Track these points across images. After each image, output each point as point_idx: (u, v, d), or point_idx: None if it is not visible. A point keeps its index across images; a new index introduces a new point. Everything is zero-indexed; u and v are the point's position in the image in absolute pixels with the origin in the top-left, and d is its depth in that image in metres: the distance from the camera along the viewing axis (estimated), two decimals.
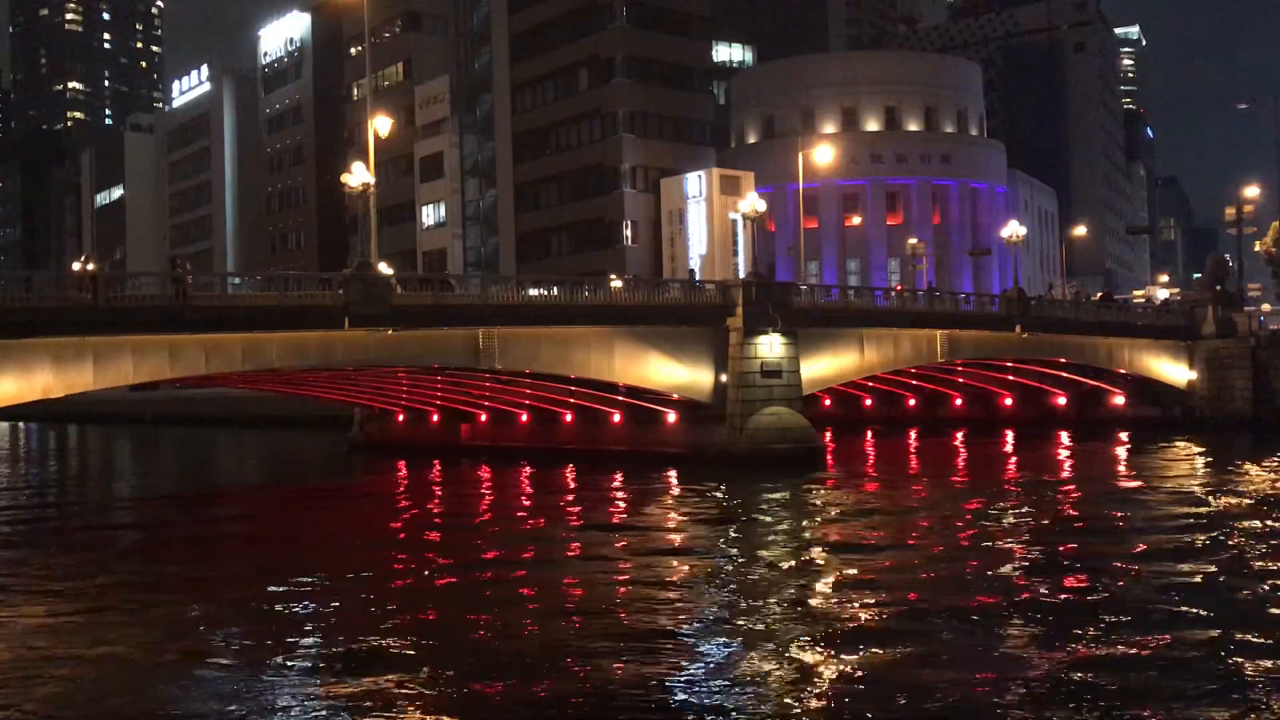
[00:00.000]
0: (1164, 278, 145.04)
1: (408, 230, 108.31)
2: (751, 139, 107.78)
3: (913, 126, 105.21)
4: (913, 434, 68.69)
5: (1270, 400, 65.95)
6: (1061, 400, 71.03)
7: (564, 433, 58.21)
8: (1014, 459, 55.00)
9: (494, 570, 27.77)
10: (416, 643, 20.24)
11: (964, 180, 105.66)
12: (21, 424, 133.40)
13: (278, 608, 23.14)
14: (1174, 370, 68.29)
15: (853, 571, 26.10)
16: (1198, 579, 24.11)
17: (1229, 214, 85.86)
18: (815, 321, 53.04)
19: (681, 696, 16.71)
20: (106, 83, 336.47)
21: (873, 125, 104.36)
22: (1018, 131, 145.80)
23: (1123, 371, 67.82)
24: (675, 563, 27.87)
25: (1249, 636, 19.07)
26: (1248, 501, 36.36)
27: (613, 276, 59.10)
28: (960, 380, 70.73)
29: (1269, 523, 31.61)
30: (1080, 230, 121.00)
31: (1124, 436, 62.01)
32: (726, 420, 49.92)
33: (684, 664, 18.44)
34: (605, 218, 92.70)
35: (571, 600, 23.61)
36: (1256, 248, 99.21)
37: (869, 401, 76.93)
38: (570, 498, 43.41)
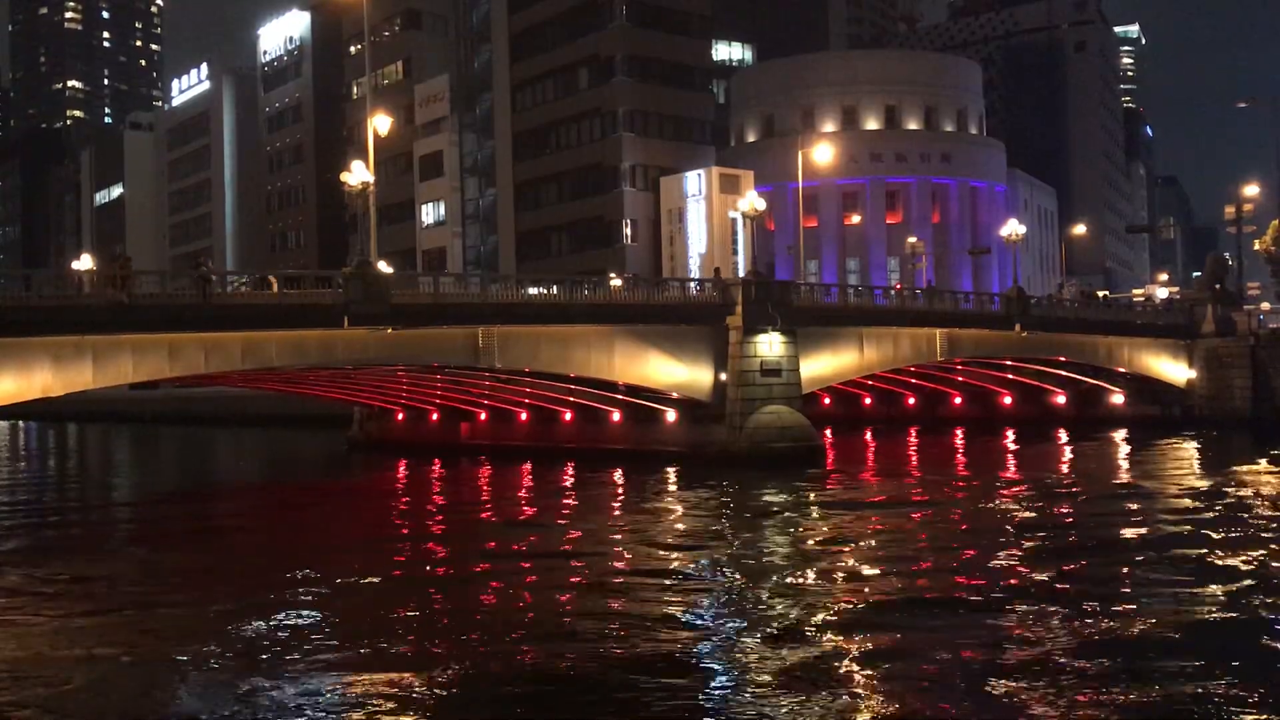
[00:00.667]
0: (1163, 276, 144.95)
1: (407, 229, 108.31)
2: (751, 138, 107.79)
3: (912, 125, 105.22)
4: (912, 433, 68.72)
5: (1269, 399, 65.99)
6: (1061, 399, 71.05)
7: (564, 431, 58.22)
8: (1013, 457, 55.02)
9: (493, 568, 27.79)
10: (418, 641, 20.25)
11: (964, 179, 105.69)
12: (21, 423, 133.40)
13: (278, 607, 23.13)
14: (1173, 369, 68.32)
15: (853, 569, 26.13)
16: (1197, 577, 24.09)
17: (1228, 213, 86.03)
18: (815, 320, 53.05)
19: (683, 692, 16.72)
20: (106, 81, 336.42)
21: (872, 124, 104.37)
22: (1017, 130, 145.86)
23: (1122, 370, 67.86)
24: (675, 560, 27.88)
25: (1249, 636, 19.10)
26: (1246, 499, 36.35)
27: (612, 275, 59.16)
28: (960, 379, 70.76)
29: (1267, 520, 31.63)
30: (1080, 229, 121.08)
31: (1123, 435, 62.06)
32: (726, 419, 49.94)
33: (685, 660, 18.44)
34: (605, 216, 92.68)
35: (571, 598, 23.61)
36: (1256, 246, 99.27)
37: (868, 400, 76.97)
38: (570, 496, 43.43)
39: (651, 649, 19.07)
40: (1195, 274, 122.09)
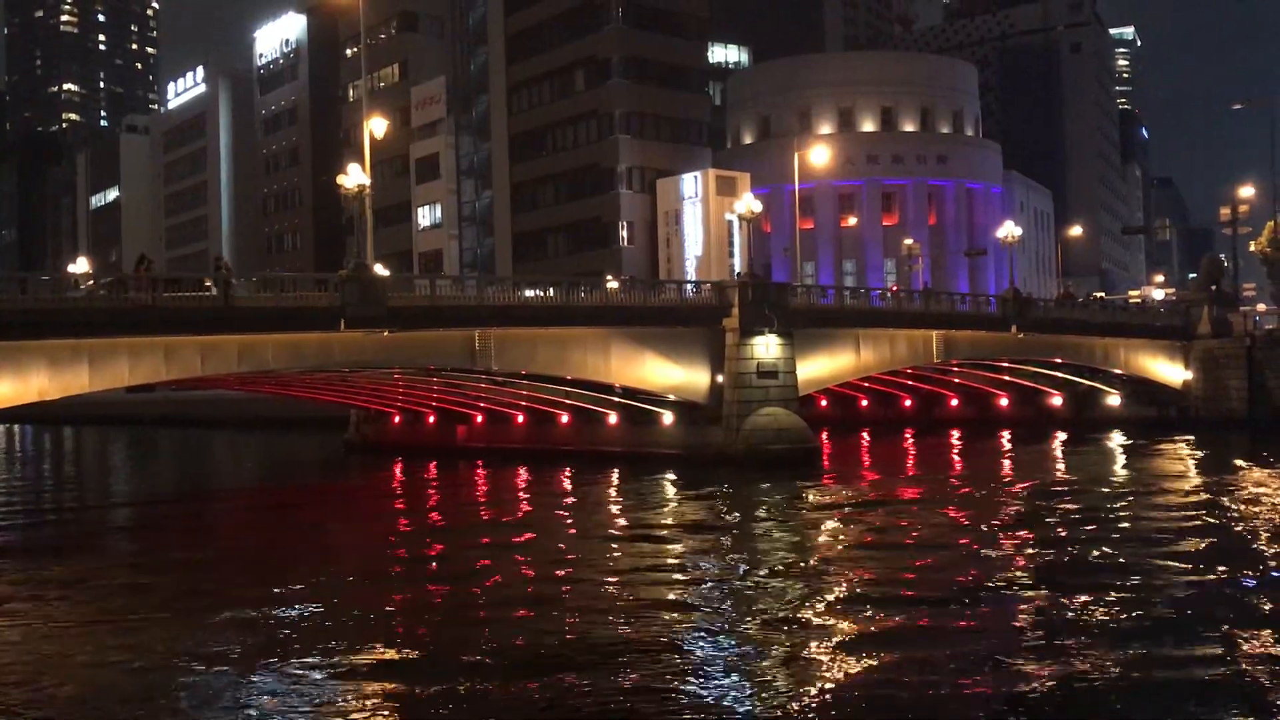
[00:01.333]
0: (1159, 278, 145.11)
1: (404, 231, 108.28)
2: (747, 139, 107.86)
3: (909, 127, 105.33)
4: (909, 434, 68.73)
5: (1265, 400, 66.04)
6: (1057, 400, 71.09)
7: (560, 434, 58.19)
8: (1010, 459, 55.04)
9: (489, 570, 27.76)
10: (415, 644, 20.25)
11: (960, 181, 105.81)
12: (17, 426, 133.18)
13: (275, 610, 23.12)
14: (1170, 370, 68.39)
15: (849, 571, 26.12)
16: (1196, 578, 24.14)
17: (1224, 214, 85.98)
18: (811, 322, 53.06)
19: (679, 695, 16.71)
20: (102, 84, 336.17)
21: (869, 126, 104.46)
22: (1013, 132, 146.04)
23: (1119, 372, 67.90)
24: (671, 562, 27.87)
25: (1248, 636, 19.12)
26: (1242, 501, 36.38)
27: (609, 277, 59.11)
28: (956, 381, 70.79)
29: (1263, 521, 31.67)
30: (1076, 230, 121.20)
31: (1120, 436, 62.08)
32: (723, 421, 49.92)
33: (681, 663, 18.44)
34: (601, 218, 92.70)
35: (568, 601, 23.59)
36: (1251, 248, 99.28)
37: (865, 402, 76.98)
38: (567, 499, 43.40)
39: (649, 650, 19.05)
40: (1191, 275, 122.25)
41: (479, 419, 63.25)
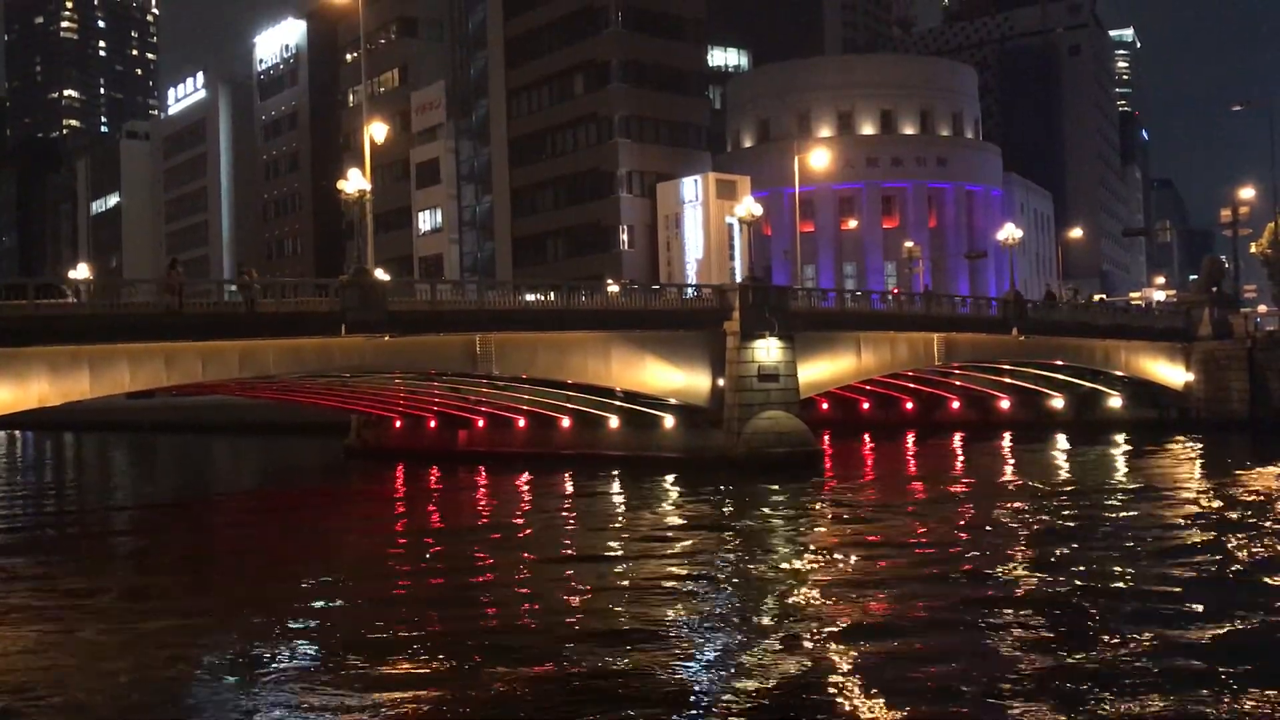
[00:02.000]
0: (1160, 280, 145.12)
1: (404, 236, 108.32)
2: (747, 143, 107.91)
3: (908, 130, 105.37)
4: (910, 437, 68.67)
5: (1267, 401, 65.99)
6: (1058, 402, 71.03)
7: (561, 438, 58.14)
8: (1011, 462, 54.96)
9: (490, 574, 27.74)
10: (416, 648, 20.19)
11: (960, 183, 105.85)
12: (18, 433, 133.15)
13: (275, 617, 23.06)
14: (1171, 372, 68.34)
15: (851, 575, 26.10)
16: (1194, 579, 24.10)
17: (1224, 216, 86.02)
18: (812, 325, 53.01)
19: (681, 698, 16.68)
20: (102, 90, 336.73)
21: (868, 129, 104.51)
22: (1013, 134, 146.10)
23: (1120, 374, 67.84)
24: (673, 566, 27.81)
25: (1246, 634, 19.09)
26: (1244, 503, 36.34)
27: (609, 281, 59.11)
28: (957, 383, 70.75)
29: (1265, 524, 31.62)
30: (1076, 233, 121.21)
31: (1121, 438, 62.01)
32: (724, 424, 49.87)
33: (683, 666, 18.41)
34: (601, 222, 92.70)
35: (570, 604, 23.55)
36: (1252, 249, 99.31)
37: (866, 405, 76.92)
38: (568, 503, 43.34)
39: (649, 653, 19.01)
40: (1192, 277, 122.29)
41: (480, 423, 63.22)
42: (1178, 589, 23.18)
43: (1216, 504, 36.09)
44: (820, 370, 54.14)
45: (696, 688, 17.38)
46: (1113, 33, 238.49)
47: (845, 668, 18.05)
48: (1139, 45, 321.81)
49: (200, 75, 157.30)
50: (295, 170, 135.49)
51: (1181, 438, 60.85)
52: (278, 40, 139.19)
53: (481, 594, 25.36)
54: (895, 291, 73.12)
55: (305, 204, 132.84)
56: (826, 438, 62.17)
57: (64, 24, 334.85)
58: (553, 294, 49.58)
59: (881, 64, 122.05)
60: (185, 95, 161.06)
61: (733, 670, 18.35)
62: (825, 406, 73.13)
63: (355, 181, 43.35)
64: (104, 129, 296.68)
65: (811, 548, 30.61)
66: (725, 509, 39.17)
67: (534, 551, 31.11)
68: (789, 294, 54.27)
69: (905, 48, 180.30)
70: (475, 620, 22.49)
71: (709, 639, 20.34)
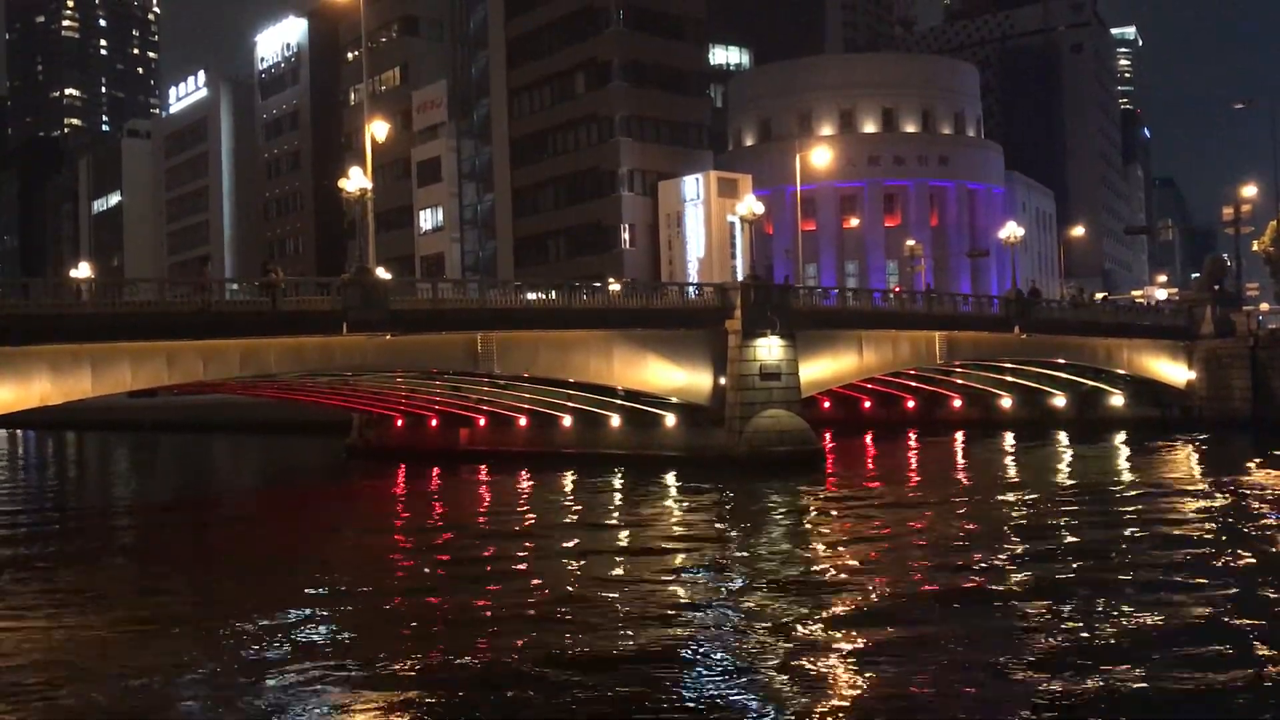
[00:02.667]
0: (1162, 278, 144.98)
1: (405, 235, 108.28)
2: (749, 141, 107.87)
3: (910, 128, 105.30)
4: (912, 436, 68.63)
5: (1269, 400, 65.91)
6: (1060, 401, 70.98)
7: (563, 436, 58.13)
8: (1014, 460, 54.93)
9: (493, 574, 27.69)
10: (417, 647, 20.17)
11: (961, 182, 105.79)
12: (20, 432, 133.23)
13: (280, 619, 23.04)
14: (1173, 370, 68.28)
15: (851, 572, 26.08)
16: (1195, 579, 24.06)
17: (1226, 214, 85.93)
18: (814, 324, 52.98)
19: (682, 697, 16.65)
20: (103, 89, 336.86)
21: (870, 127, 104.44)
22: (1015, 133, 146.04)
23: (1122, 372, 67.79)
24: (674, 565, 27.80)
25: (1244, 633, 19.06)
26: (1245, 502, 36.29)
27: (611, 280, 59.07)
28: (959, 382, 70.70)
29: (1265, 522, 31.58)
30: (1078, 231, 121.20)
31: (1123, 437, 61.97)
32: (725, 423, 49.85)
33: (684, 665, 18.38)
34: (603, 221, 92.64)
35: (573, 605, 23.51)
36: (1254, 247, 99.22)
37: (868, 403, 76.90)
38: (570, 502, 43.32)
39: (651, 652, 19.00)
40: (1194, 275, 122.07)
41: (481, 422, 63.20)
42: (1184, 592, 23.14)
43: (1218, 503, 36.05)
44: (822, 369, 54.10)
45: (698, 687, 17.35)
46: (1114, 31, 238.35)
47: (846, 669, 18.03)
48: (1141, 44, 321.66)
49: (201, 74, 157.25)
50: (296, 169, 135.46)
51: (1184, 436, 60.80)
52: (279, 39, 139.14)
53: (483, 597, 25.31)
54: (897, 290, 73.09)
55: (306, 203, 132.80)
56: (828, 436, 62.13)
57: (65, 23, 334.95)
58: (554, 293, 49.54)
59: (883, 62, 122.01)
60: (186, 94, 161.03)
61: (733, 671, 18.30)
62: (827, 405, 73.13)
63: (356, 180, 43.33)
64: (105, 128, 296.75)
65: (812, 547, 30.59)
66: (727, 507, 39.15)
67: (535, 550, 31.10)
68: (790, 292, 54.24)
69: (907, 46, 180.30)
70: (477, 624, 22.45)
71: (711, 637, 20.31)
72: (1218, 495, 37.75)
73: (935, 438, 66.48)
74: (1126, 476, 46.04)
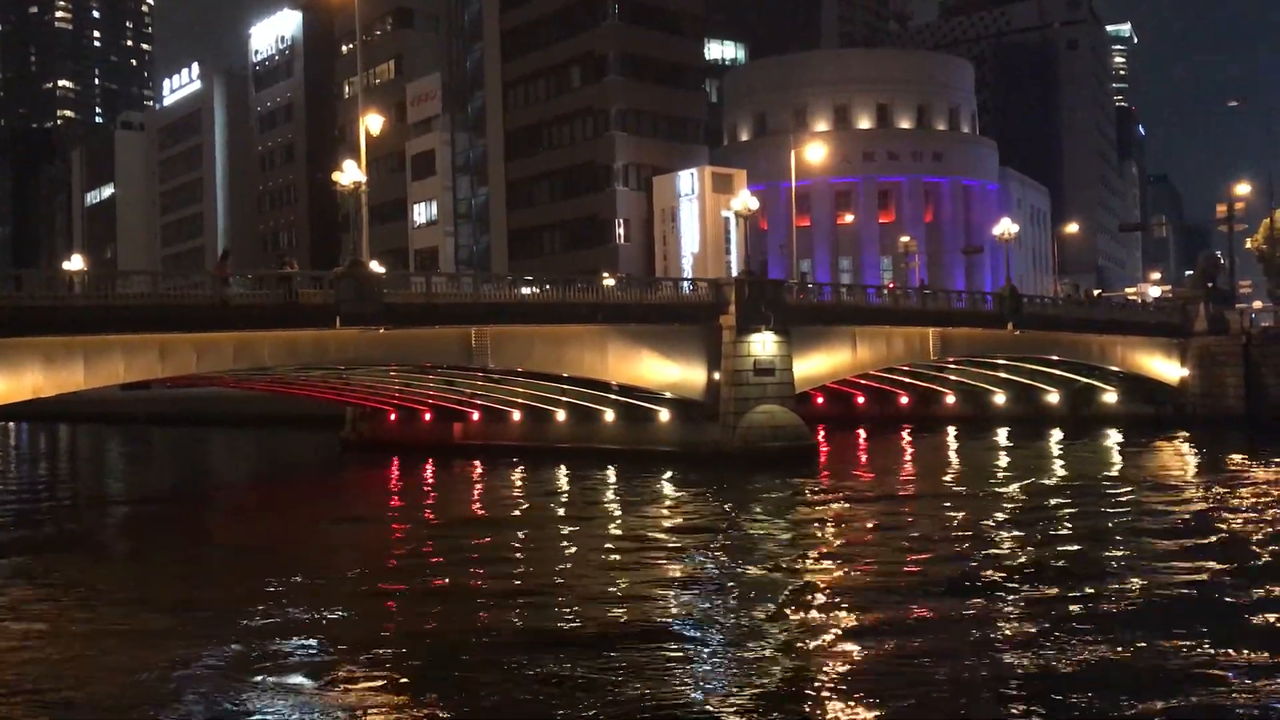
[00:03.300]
0: (1156, 275, 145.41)
1: (399, 228, 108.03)
2: (744, 137, 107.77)
3: (905, 124, 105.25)
4: (905, 432, 68.70)
5: (1262, 397, 66.05)
6: (1054, 398, 71.08)
7: (557, 431, 58.13)
8: (1007, 456, 55.00)
9: (485, 567, 27.68)
10: (410, 643, 20.16)
11: (956, 178, 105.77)
12: (11, 424, 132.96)
13: (270, 611, 23.00)
14: (1166, 367, 68.39)
15: (844, 566, 26.10)
16: (1187, 574, 24.11)
17: (1220, 211, 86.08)
18: (808, 319, 53.01)
19: (673, 693, 16.64)
20: (97, 81, 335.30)
21: (865, 123, 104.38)
22: (1010, 129, 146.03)
23: (1115, 369, 67.89)
24: (667, 560, 27.80)
25: (1235, 631, 19.10)
26: (1238, 499, 36.36)
27: (605, 275, 59.01)
28: (953, 378, 70.76)
29: (1259, 519, 31.65)
30: (1072, 228, 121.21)
31: (1116, 434, 62.08)
32: (719, 418, 49.86)
33: (676, 660, 18.36)
34: (597, 215, 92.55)
35: (564, 598, 23.50)
36: (1248, 245, 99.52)
37: (862, 399, 76.95)
38: (564, 496, 43.33)
39: (642, 648, 18.97)
40: (1187, 272, 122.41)
41: (475, 416, 63.16)
42: (1172, 584, 23.22)
43: (1210, 500, 36.12)
44: (816, 365, 54.13)
45: (689, 682, 17.35)
46: (1110, 28, 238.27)
47: (838, 660, 18.04)
48: (1136, 41, 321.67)
49: (195, 66, 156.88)
50: (290, 162, 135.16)
51: (1176, 433, 60.92)
52: (273, 31, 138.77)
53: (475, 591, 25.29)
54: (891, 286, 73.07)
55: (300, 196, 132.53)
56: (822, 432, 62.17)
57: (58, 14, 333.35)
58: (549, 287, 49.50)
59: (879, 58, 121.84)
60: (180, 86, 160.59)
61: (725, 663, 18.31)
62: (820, 401, 73.14)
63: (350, 173, 43.23)
64: (99, 120, 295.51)
65: (805, 541, 30.61)
66: (720, 503, 39.13)
67: (528, 545, 31.10)
68: (785, 288, 54.24)
69: (902, 42, 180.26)
70: (469, 618, 22.42)
71: (702, 632, 20.31)
72: (1209, 492, 37.82)
73: (929, 434, 66.56)
74: (1118, 473, 46.12)
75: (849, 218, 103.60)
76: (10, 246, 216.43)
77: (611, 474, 48.26)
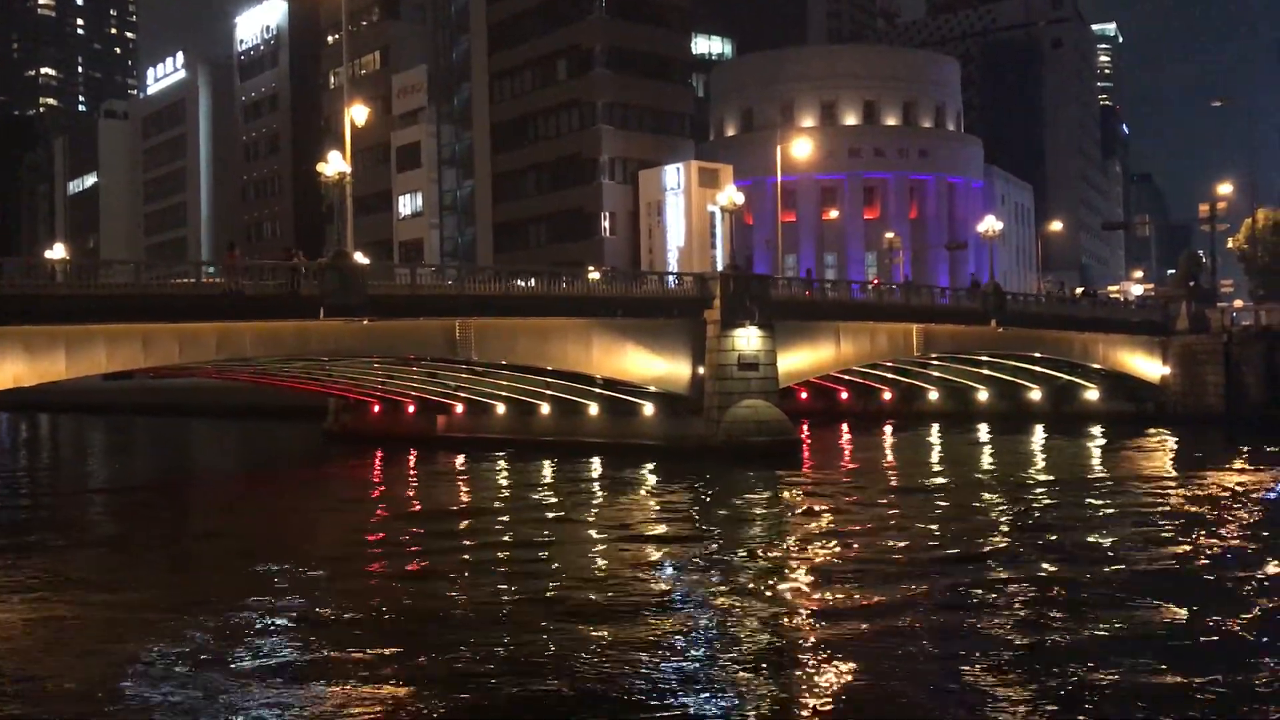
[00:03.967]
0: (1138, 273, 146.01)
1: (384, 220, 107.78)
2: (730, 132, 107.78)
3: (891, 121, 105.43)
4: (888, 427, 68.91)
5: (1242, 396, 66.44)
6: (1036, 395, 71.38)
7: (541, 424, 58.10)
8: (988, 452, 55.24)
9: (468, 560, 27.69)
10: (390, 637, 20.15)
11: (941, 175, 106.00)
12: None
13: (248, 604, 22.97)
14: (1148, 365, 68.75)
15: (827, 561, 26.20)
16: (1168, 569, 24.29)
17: (1203, 211, 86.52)
18: (792, 314, 53.08)
19: (659, 685, 16.68)
20: (80, 69, 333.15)
21: (851, 119, 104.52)
22: (995, 127, 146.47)
23: (1097, 366, 68.20)
24: (650, 552, 27.86)
25: (1224, 627, 19.25)
26: (1215, 496, 36.60)
27: (590, 268, 58.98)
28: (936, 374, 70.98)
29: (1236, 516, 31.89)
30: (1056, 225, 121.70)
31: (1098, 431, 62.39)
32: (704, 413, 49.92)
33: (660, 655, 18.41)
34: (583, 209, 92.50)
35: (547, 592, 23.53)
36: (1230, 244, 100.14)
37: (845, 395, 77.14)
38: (546, 489, 43.32)
39: (627, 641, 19.03)
40: (1170, 271, 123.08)
41: (459, 409, 63.07)
42: (1149, 579, 23.37)
43: (1188, 497, 36.35)
44: (800, 360, 54.23)
45: (674, 678, 17.38)
46: (1095, 27, 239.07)
47: (819, 651, 18.10)
48: (1121, 40, 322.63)
49: (180, 55, 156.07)
50: (275, 152, 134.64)
51: (1157, 431, 61.27)
52: (258, 21, 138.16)
53: (457, 582, 25.30)
54: (875, 282, 73.22)
55: (285, 186, 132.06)
56: (805, 427, 62.32)
57: (41, 1, 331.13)
58: (533, 280, 49.44)
59: (865, 55, 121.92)
60: (164, 75, 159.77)
61: (707, 656, 18.35)
62: (804, 396, 73.32)
63: (335, 164, 43.10)
64: (82, 108, 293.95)
65: (787, 534, 30.69)
66: (704, 496, 39.23)
67: (511, 538, 31.11)
68: (770, 283, 54.28)
69: (889, 39, 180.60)
70: (451, 609, 22.45)
71: (686, 626, 20.37)
72: (1187, 490, 38.06)
73: (911, 430, 66.77)
74: (1099, 470, 46.38)
75: (834, 213, 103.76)
76: None
77: (596, 467, 48.28)
